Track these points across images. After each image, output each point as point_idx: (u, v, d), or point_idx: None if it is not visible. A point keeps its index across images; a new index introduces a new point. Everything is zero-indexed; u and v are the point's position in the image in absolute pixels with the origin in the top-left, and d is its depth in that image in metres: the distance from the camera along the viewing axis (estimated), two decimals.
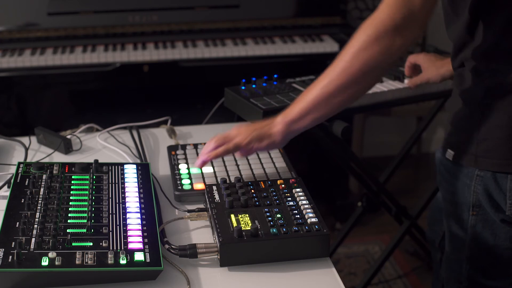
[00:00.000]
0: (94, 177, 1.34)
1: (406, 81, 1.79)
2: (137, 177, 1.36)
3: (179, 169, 1.42)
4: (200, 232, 1.24)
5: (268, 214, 1.21)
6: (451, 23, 1.27)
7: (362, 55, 1.19)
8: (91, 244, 1.11)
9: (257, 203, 1.24)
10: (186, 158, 1.46)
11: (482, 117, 1.24)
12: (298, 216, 1.20)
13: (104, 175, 1.35)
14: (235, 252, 1.13)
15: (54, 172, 1.34)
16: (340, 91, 1.24)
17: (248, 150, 1.33)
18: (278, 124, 1.31)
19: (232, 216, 1.20)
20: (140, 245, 1.12)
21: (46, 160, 1.54)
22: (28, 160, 1.53)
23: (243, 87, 1.74)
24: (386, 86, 1.80)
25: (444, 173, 1.37)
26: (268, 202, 1.25)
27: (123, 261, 1.07)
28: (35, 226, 1.14)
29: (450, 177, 1.35)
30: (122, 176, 1.35)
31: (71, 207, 1.22)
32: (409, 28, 1.17)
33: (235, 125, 1.37)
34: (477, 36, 1.22)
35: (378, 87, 1.79)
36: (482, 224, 1.31)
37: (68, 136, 1.61)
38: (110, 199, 1.26)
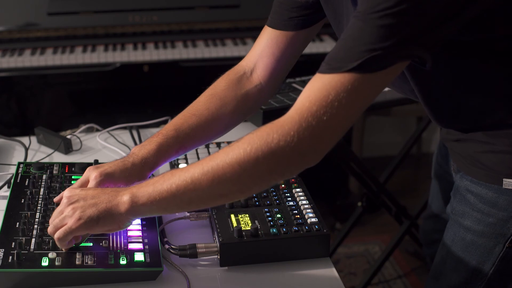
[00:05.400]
0: None
1: None
2: None
3: None
4: (200, 232, 1.24)
5: (268, 214, 1.21)
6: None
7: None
8: (91, 244, 1.11)
9: (257, 203, 1.24)
10: (186, 158, 1.46)
11: None
12: (298, 216, 1.20)
13: None
14: (235, 252, 1.13)
15: (54, 172, 1.34)
16: None
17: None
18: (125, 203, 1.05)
19: (232, 216, 1.20)
20: (140, 246, 1.12)
21: (46, 160, 1.54)
22: (28, 160, 1.53)
23: None
24: None
25: (478, 204, 1.26)
26: (268, 202, 1.25)
27: (123, 262, 1.07)
28: (35, 226, 1.14)
29: (489, 208, 1.24)
30: None
31: None
32: None
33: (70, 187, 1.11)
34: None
35: None
36: None
37: (68, 136, 1.61)
38: None
